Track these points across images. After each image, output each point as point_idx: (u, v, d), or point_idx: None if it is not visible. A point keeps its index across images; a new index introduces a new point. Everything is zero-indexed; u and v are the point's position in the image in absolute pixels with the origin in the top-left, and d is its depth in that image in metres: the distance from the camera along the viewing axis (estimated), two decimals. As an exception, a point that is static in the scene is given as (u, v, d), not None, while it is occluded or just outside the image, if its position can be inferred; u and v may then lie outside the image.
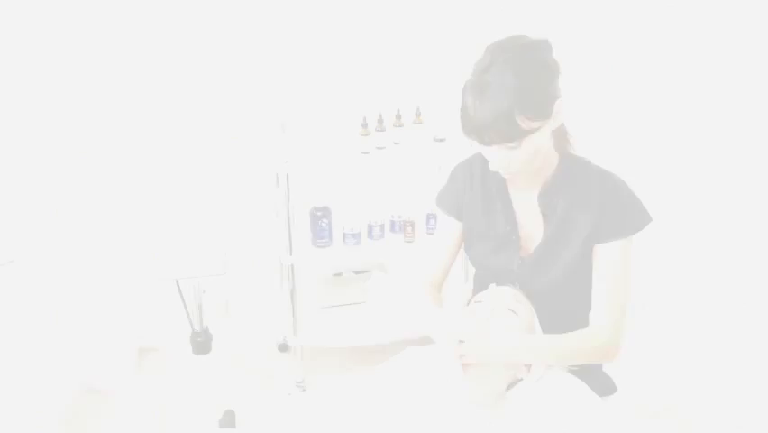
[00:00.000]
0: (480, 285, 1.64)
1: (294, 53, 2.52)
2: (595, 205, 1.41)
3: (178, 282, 1.87)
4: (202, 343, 1.90)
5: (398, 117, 2.31)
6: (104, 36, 2.22)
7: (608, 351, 1.42)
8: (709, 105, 1.97)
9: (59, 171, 2.19)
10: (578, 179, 1.44)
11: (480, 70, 1.30)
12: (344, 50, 2.54)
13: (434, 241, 1.64)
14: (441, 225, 1.63)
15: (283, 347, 2.66)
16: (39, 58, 2.09)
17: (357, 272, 2.55)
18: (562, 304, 1.47)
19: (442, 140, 2.30)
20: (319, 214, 2.24)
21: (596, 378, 1.61)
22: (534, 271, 1.47)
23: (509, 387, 1.41)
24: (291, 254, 2.23)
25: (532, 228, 1.49)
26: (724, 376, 2.15)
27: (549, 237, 1.46)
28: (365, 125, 2.27)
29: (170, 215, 2.46)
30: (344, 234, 2.28)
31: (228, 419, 2.25)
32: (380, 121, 2.29)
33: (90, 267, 2.33)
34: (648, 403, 2.31)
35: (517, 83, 1.26)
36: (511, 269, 1.50)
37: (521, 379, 1.41)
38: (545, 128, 1.33)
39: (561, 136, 1.45)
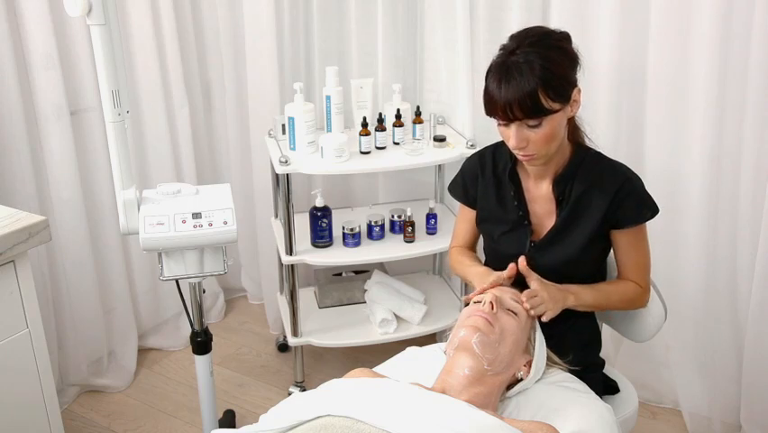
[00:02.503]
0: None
1: (294, 53, 2.53)
2: (608, 193, 1.51)
3: (178, 282, 1.87)
4: (202, 343, 1.90)
5: (398, 117, 2.31)
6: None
7: (644, 300, 1.61)
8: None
9: (55, 172, 2.19)
10: (591, 168, 1.54)
11: (507, 53, 1.41)
12: (345, 49, 2.54)
13: (457, 220, 1.77)
14: (459, 208, 1.75)
15: (283, 347, 2.67)
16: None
17: (357, 272, 2.55)
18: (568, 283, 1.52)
19: (442, 140, 2.29)
20: (319, 214, 2.24)
21: (598, 378, 1.62)
22: (544, 255, 1.55)
23: (509, 387, 1.41)
24: (291, 254, 2.23)
25: (543, 215, 1.58)
26: (725, 376, 2.14)
27: (561, 223, 1.54)
28: (365, 125, 2.27)
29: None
30: (344, 234, 2.28)
31: (228, 419, 2.26)
32: (380, 121, 2.29)
33: (89, 266, 2.33)
34: (649, 404, 2.31)
35: (542, 63, 1.37)
36: (522, 253, 1.56)
37: (521, 379, 1.41)
38: (563, 113, 1.43)
39: (574, 128, 1.56)
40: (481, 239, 1.72)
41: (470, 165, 1.68)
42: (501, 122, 1.43)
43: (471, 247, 1.76)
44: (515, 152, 1.46)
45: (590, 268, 1.58)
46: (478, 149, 1.72)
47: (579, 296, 1.51)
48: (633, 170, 1.54)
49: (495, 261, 1.64)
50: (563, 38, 1.45)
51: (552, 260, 1.54)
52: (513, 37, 1.44)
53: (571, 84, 1.43)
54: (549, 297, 1.46)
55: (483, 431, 1.15)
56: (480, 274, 1.58)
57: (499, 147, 1.63)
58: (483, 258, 1.72)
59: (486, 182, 1.63)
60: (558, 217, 1.54)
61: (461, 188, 1.70)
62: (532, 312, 1.43)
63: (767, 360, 2.00)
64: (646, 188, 1.54)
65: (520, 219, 1.57)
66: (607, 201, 1.50)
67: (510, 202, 1.58)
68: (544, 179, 1.56)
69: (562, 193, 1.53)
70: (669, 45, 1.96)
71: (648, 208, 1.52)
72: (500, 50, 1.44)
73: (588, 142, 1.58)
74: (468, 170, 1.68)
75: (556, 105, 1.39)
